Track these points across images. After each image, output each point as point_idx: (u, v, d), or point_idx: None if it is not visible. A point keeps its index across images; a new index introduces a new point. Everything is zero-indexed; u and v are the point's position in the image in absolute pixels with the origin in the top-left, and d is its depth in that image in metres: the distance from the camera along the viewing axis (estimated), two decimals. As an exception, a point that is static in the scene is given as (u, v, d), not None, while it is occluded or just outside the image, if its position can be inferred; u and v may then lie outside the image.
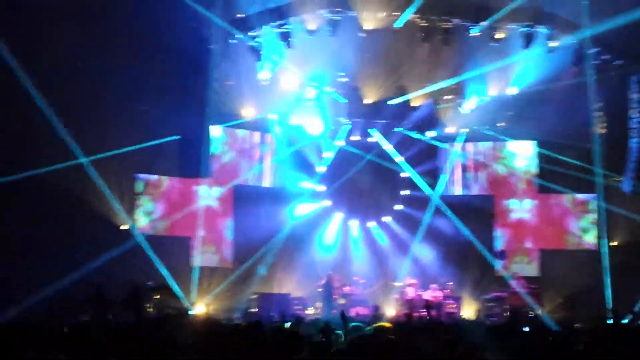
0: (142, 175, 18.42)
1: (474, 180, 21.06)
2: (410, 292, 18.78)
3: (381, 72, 19.54)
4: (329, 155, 20.80)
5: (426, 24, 17.83)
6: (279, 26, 17.86)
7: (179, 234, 18.61)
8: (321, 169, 20.76)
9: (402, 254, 20.28)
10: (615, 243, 18.78)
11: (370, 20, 17.88)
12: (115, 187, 16.93)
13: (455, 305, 18.69)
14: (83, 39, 15.70)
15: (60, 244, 15.27)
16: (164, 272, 16.66)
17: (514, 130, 20.36)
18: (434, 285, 18.92)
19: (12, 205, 15.25)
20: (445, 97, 20.49)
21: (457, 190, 21.09)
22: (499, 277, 19.20)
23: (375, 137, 20.99)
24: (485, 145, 21.04)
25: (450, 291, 18.97)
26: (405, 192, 21.11)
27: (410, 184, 20.82)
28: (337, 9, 17.58)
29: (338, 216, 20.95)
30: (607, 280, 17.19)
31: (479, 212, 20.40)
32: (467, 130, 20.88)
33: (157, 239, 17.66)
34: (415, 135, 20.90)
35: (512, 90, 19.51)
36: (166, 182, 18.84)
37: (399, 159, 20.75)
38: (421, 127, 20.95)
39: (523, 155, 20.66)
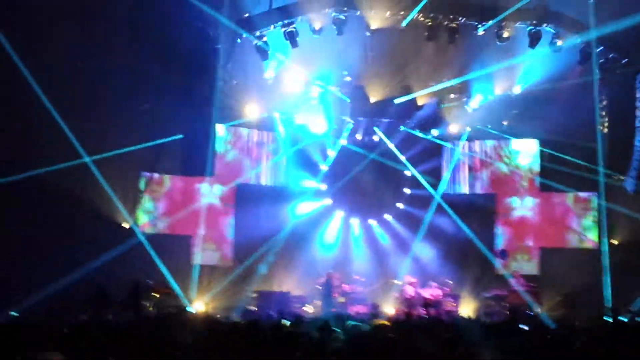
0: (145, 174, 18.50)
1: (477, 178, 21.00)
2: (410, 291, 18.76)
3: (386, 71, 19.55)
4: (332, 154, 20.78)
5: (432, 23, 17.76)
6: (285, 25, 17.83)
7: (181, 233, 18.69)
8: (324, 167, 20.75)
9: (403, 253, 20.25)
10: (616, 242, 18.70)
11: (377, 19, 17.86)
12: (118, 186, 17.04)
13: (455, 304, 18.70)
14: (87, 38, 15.84)
15: (61, 243, 15.33)
16: (165, 270, 16.69)
17: (518, 129, 20.29)
18: (433, 284, 18.92)
19: (12, 205, 15.33)
20: (450, 96, 20.45)
21: (460, 188, 21.04)
22: (499, 276, 19.15)
23: (379, 136, 20.94)
24: (488, 144, 20.97)
25: (450, 289, 18.97)
26: (407, 191, 21.08)
27: (412, 182, 20.79)
28: (343, 8, 17.55)
29: (339, 215, 20.95)
30: (607, 279, 17.11)
31: (481, 210, 20.38)
32: (471, 129, 20.83)
33: (159, 237, 17.77)
34: (418, 134, 20.84)
35: (517, 89, 19.44)
36: (169, 180, 18.94)
37: (402, 157, 20.70)
38: (425, 125, 20.89)
39: (526, 153, 20.59)
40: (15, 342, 7.01)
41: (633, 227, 18.25)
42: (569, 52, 18.05)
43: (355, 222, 21.12)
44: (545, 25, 17.62)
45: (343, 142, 20.85)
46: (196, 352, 7.53)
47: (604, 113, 18.40)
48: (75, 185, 16.18)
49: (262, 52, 18.17)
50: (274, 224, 19.37)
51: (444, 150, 21.17)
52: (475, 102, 20.15)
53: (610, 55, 18.03)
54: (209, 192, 19.18)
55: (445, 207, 19.89)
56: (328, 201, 20.83)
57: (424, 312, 15.64)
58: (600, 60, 17.89)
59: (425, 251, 20.16)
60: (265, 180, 20.28)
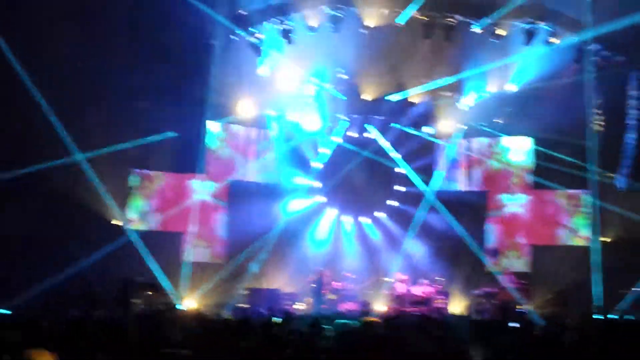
0: (136, 171, 18.45)
1: (470, 176, 20.98)
2: (401, 288, 18.74)
3: (381, 69, 19.51)
4: (326, 151, 20.75)
5: (427, 20, 17.73)
6: (280, 22, 17.77)
7: (172, 230, 18.66)
8: (318, 165, 20.71)
9: (394, 250, 20.27)
10: (608, 240, 18.70)
11: (372, 16, 17.85)
12: (109, 183, 16.96)
13: (445, 301, 18.66)
14: (80, 36, 15.74)
15: (51, 241, 15.36)
16: (155, 267, 16.66)
17: (512, 126, 20.29)
18: (424, 281, 18.89)
19: (2, 202, 15.21)
20: (444, 94, 20.40)
21: (453, 186, 21.00)
22: (489, 273, 19.14)
23: (372, 133, 20.91)
24: (481, 142, 20.95)
25: (440, 287, 18.92)
26: (400, 188, 21.05)
27: (405, 180, 20.77)
28: (338, 5, 17.52)
29: (331, 212, 20.94)
30: (598, 277, 17.13)
31: (473, 208, 20.35)
32: (464, 126, 20.80)
33: (150, 234, 17.76)
34: (412, 131, 20.82)
35: (512, 87, 19.41)
36: (161, 177, 18.89)
37: (395, 155, 20.69)
38: (418, 123, 20.88)
39: (519, 151, 20.58)
40: (4, 340, 6.94)
41: (624, 224, 18.29)
42: (563, 50, 18.05)
43: (347, 219, 21.12)
44: (541, 23, 17.61)
45: (337, 139, 20.81)
46: (186, 349, 7.48)
47: (598, 111, 18.38)
48: (66, 183, 16.15)
49: (257, 49, 18.11)
50: (266, 222, 19.33)
51: (436, 147, 21.14)
52: (470, 99, 20.12)
53: (604, 53, 18.02)
54: (201, 189, 19.15)
55: (437, 204, 19.86)
56: (322, 199, 20.82)
57: (415, 309, 15.65)
58: (595, 58, 17.87)
59: (416, 248, 20.16)
60: (258, 178, 20.21)
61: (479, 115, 20.44)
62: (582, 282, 17.25)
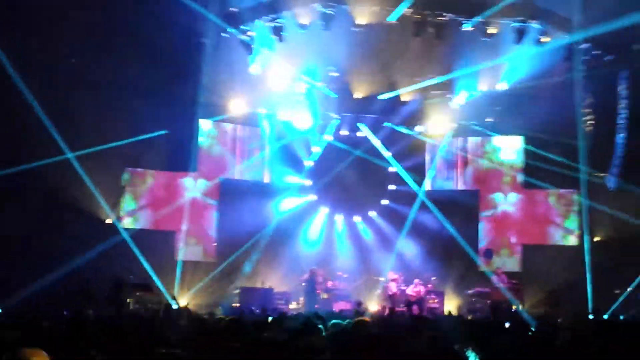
0: (128, 169, 18.39)
1: (461, 175, 21.04)
2: (393, 287, 18.78)
3: (372, 67, 19.47)
4: (318, 149, 20.74)
5: (419, 19, 17.69)
6: (272, 20, 17.73)
7: (164, 228, 18.69)
8: (309, 163, 20.71)
9: (387, 249, 20.32)
10: (598, 239, 18.81)
11: (363, 14, 17.77)
12: (101, 182, 16.89)
13: (438, 301, 18.77)
14: (73, 36, 15.76)
15: (43, 239, 15.31)
16: (148, 266, 16.64)
17: (502, 125, 20.34)
18: (417, 281, 18.91)
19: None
20: (435, 92, 20.39)
21: (444, 185, 21.07)
22: (482, 273, 19.16)
23: (364, 132, 20.92)
24: (472, 141, 21.02)
25: (433, 286, 19.02)
26: (391, 187, 21.07)
27: (396, 179, 20.80)
28: (330, 3, 17.43)
29: (323, 211, 20.95)
30: (589, 277, 17.20)
31: (464, 207, 20.42)
32: (455, 125, 20.85)
33: (142, 233, 17.74)
34: (403, 130, 20.83)
35: (502, 86, 19.45)
36: (152, 175, 18.85)
37: (387, 154, 20.71)
38: (410, 122, 20.90)
39: (509, 150, 20.67)
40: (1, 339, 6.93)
41: (615, 224, 18.35)
42: (554, 49, 18.06)
43: (339, 218, 21.14)
44: (531, 22, 17.63)
45: (329, 137, 20.80)
46: (178, 348, 7.46)
47: (588, 110, 18.44)
48: (58, 181, 16.08)
49: (248, 47, 18.08)
50: (258, 220, 19.36)
51: (428, 146, 21.17)
52: (460, 98, 20.15)
53: (595, 52, 18.06)
54: (193, 187, 19.14)
55: (429, 204, 19.90)
56: (312, 197, 20.81)
57: (407, 309, 15.66)
58: (585, 57, 17.91)
59: (408, 248, 20.21)
60: (249, 176, 20.20)
61: (470, 114, 20.49)
62: (573, 282, 17.36)
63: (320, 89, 20.02)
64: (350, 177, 20.69)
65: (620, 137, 18.11)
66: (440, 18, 17.66)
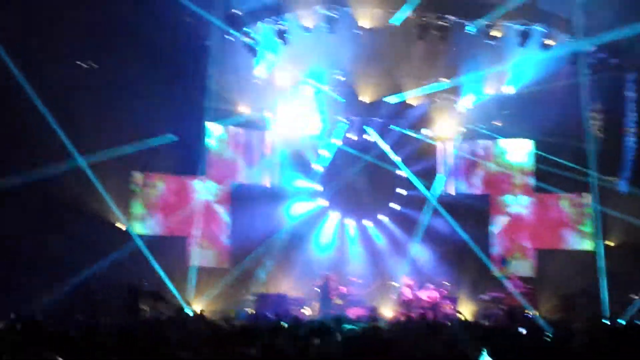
0: (138, 174, 18.35)
1: (470, 179, 20.97)
2: (408, 293, 18.75)
3: (378, 70, 19.42)
4: (327, 154, 20.74)
5: (422, 21, 17.71)
6: (275, 22, 17.74)
7: (176, 234, 18.57)
8: (318, 167, 20.69)
9: (399, 254, 20.25)
10: (611, 244, 18.74)
11: (367, 17, 17.78)
12: (112, 187, 16.86)
13: (452, 306, 18.64)
14: (79, 40, 15.73)
15: (55, 246, 15.23)
16: (161, 272, 16.60)
17: (511, 129, 20.27)
18: (431, 286, 18.88)
19: (5, 207, 15.16)
20: (442, 96, 20.39)
21: (453, 189, 20.99)
22: (496, 278, 19.13)
23: (372, 135, 20.90)
24: (481, 144, 20.95)
25: (447, 291, 18.92)
26: (401, 192, 21.04)
27: (406, 183, 20.75)
28: (333, 6, 17.42)
29: (334, 215, 20.89)
30: (604, 282, 17.17)
31: (475, 211, 20.30)
32: (463, 129, 20.83)
33: (154, 239, 17.66)
34: (411, 133, 20.83)
35: (509, 89, 19.43)
36: (163, 180, 18.78)
37: (396, 158, 20.68)
38: (417, 125, 20.89)
39: (519, 154, 20.60)
40: (14, 344, 6.99)
41: (627, 228, 18.29)
42: (561, 52, 18.07)
43: (350, 223, 21.08)
44: (535, 24, 17.63)
45: (337, 141, 20.81)
46: (192, 354, 7.52)
47: (597, 114, 18.42)
48: (68, 187, 16.05)
49: (252, 50, 18.09)
50: (270, 225, 19.32)
51: (436, 150, 21.14)
52: (467, 102, 20.14)
53: (601, 56, 18.07)
54: (204, 192, 19.09)
55: (439, 208, 19.85)
56: (323, 202, 20.77)
57: (423, 314, 15.61)
58: (591, 60, 17.91)
59: (421, 253, 20.15)
60: (260, 181, 20.13)
61: (478, 118, 20.47)
62: (588, 287, 17.30)
63: (327, 92, 19.97)
64: (360, 182, 20.59)
65: (630, 140, 18.08)
66: (443, 21, 17.69)
